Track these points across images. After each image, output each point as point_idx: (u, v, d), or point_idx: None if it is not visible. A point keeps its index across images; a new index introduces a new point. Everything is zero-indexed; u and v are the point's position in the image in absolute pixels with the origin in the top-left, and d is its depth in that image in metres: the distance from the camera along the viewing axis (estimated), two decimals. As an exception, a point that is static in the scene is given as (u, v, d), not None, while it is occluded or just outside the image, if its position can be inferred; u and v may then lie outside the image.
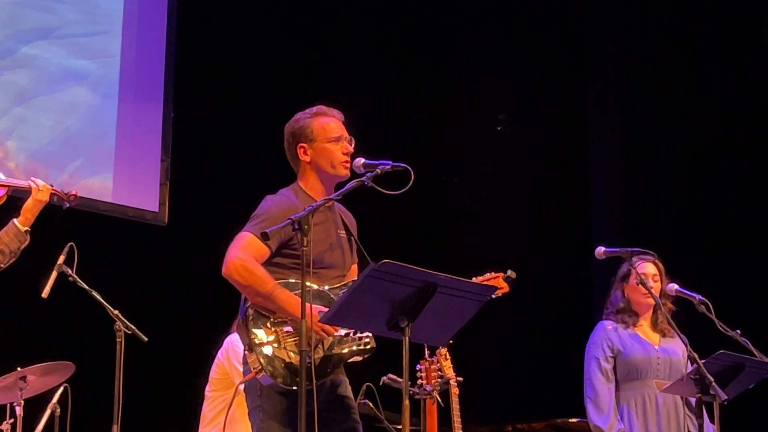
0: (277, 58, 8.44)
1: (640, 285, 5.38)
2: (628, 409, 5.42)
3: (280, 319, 4.02)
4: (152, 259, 7.40)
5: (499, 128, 9.32)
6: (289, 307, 3.96)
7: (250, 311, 4.03)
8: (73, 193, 4.92)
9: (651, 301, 5.49)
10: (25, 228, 4.76)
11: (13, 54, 7.16)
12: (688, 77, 8.69)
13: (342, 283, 4.17)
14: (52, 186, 4.86)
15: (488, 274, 4.37)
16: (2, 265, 4.75)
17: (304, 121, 4.26)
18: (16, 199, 4.90)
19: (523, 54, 9.27)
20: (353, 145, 4.25)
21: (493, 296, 4.16)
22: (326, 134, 4.22)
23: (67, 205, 4.94)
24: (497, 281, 4.30)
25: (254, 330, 4.00)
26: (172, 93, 7.80)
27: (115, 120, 7.55)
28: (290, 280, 4.04)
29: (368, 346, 4.12)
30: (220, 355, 5.54)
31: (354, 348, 4.10)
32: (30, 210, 4.77)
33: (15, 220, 4.77)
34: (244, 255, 4.01)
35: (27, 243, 4.78)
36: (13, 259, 4.78)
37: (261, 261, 4.04)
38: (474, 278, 4.29)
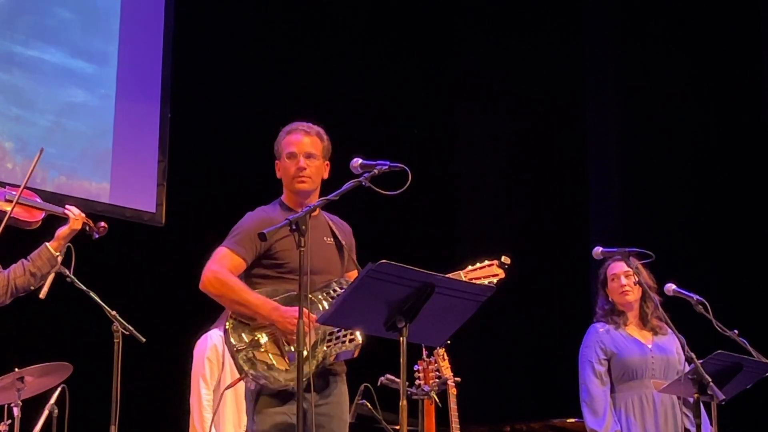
0: (275, 59, 8.44)
1: (615, 283, 5.55)
2: (626, 411, 5.41)
3: (259, 325, 4.09)
4: (150, 260, 7.40)
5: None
6: (258, 308, 4.05)
7: (230, 320, 4.12)
8: (103, 224, 4.99)
9: (631, 297, 5.54)
10: (57, 253, 4.85)
11: (10, 55, 7.16)
12: (686, 78, 8.70)
13: (324, 285, 4.20)
14: (84, 215, 4.90)
15: (480, 263, 4.39)
16: (32, 288, 4.83)
17: (279, 138, 4.37)
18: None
19: (521, 55, 9.26)
20: (308, 161, 4.25)
21: (492, 283, 4.22)
22: (285, 150, 4.31)
23: (96, 236, 5.01)
24: (492, 269, 4.32)
25: (235, 337, 4.08)
26: (170, 94, 7.81)
27: (113, 121, 7.55)
28: (282, 287, 4.12)
29: (353, 343, 4.13)
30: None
31: (340, 345, 4.12)
32: (65, 237, 4.87)
33: (48, 244, 4.85)
34: (217, 267, 4.13)
35: (57, 268, 4.86)
36: (42, 282, 4.84)
37: (236, 273, 4.15)
38: (469, 266, 4.34)
